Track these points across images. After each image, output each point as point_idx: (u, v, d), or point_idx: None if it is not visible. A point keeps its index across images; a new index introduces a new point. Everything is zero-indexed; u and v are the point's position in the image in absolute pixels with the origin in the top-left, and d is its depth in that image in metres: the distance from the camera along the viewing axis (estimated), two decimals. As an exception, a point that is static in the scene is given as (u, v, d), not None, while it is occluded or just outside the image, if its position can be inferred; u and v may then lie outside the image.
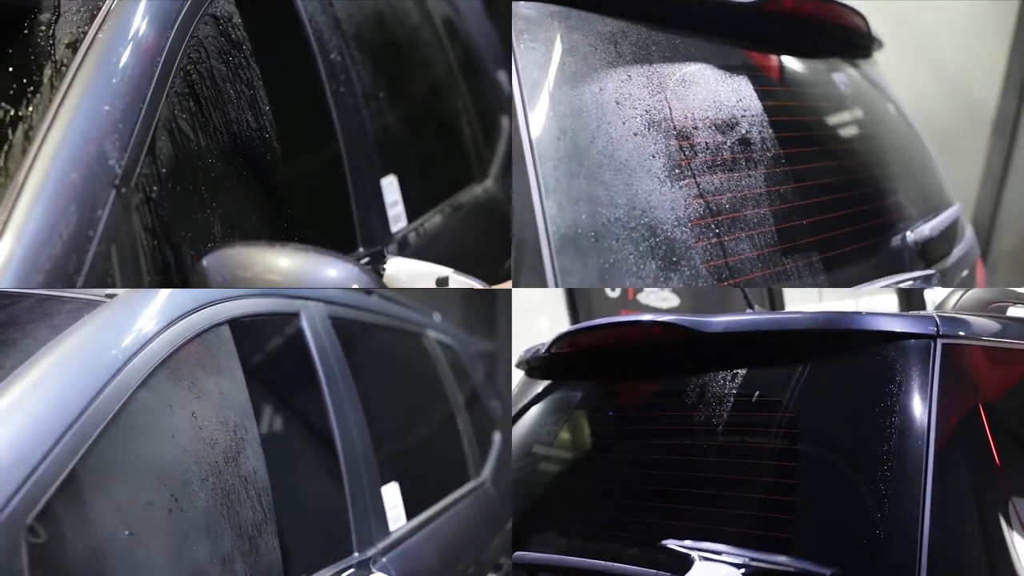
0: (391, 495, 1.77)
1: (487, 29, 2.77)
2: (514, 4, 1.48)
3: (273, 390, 1.72)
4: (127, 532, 1.13)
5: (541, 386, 1.83)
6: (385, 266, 1.42)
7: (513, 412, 1.84)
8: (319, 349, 1.69)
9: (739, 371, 1.46)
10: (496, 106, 2.63)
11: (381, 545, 1.69)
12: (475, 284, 1.42)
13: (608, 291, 4.44)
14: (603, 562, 1.45)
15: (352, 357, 1.80)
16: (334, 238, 1.75)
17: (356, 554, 1.61)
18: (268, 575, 1.38)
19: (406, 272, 1.43)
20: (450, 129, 2.41)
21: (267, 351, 1.71)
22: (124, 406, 1.17)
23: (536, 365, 1.87)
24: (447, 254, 2.17)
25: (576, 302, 4.31)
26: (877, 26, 2.01)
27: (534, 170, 1.38)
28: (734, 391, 1.45)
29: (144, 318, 1.28)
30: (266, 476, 1.40)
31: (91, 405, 1.12)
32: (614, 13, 1.54)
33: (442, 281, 1.39)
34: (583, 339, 1.73)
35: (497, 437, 2.56)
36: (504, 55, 2.69)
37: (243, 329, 1.42)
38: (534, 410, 1.81)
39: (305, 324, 1.69)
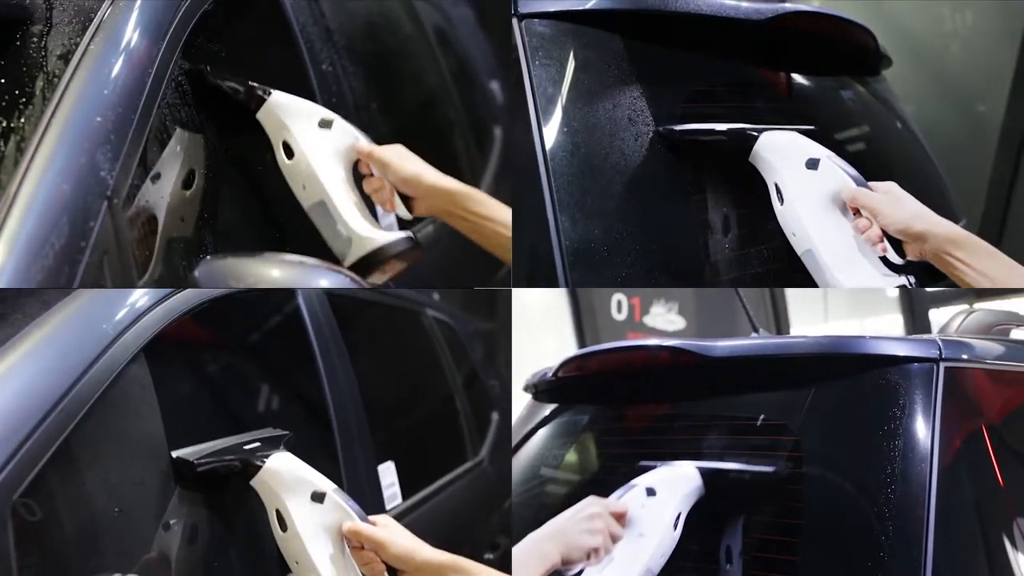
0: (388, 473, 1.81)
1: (479, 39, 2.82)
2: (528, 21, 1.55)
3: (269, 367, 1.74)
4: (116, 509, 1.15)
5: (548, 409, 1.88)
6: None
7: (520, 435, 1.88)
8: (315, 326, 1.72)
9: (744, 395, 1.51)
10: (489, 116, 2.68)
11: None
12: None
13: (615, 313, 4.52)
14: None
15: (349, 334, 1.83)
16: (327, 249, 1.79)
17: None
18: (262, 555, 1.40)
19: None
20: (442, 139, 2.46)
21: (263, 327, 1.73)
22: (115, 381, 1.19)
23: (543, 389, 1.92)
24: (441, 262, 2.21)
25: (583, 324, 4.36)
26: (882, 39, 2.07)
27: (548, 185, 1.44)
28: (739, 415, 1.50)
29: (136, 293, 1.30)
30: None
31: (81, 379, 1.15)
32: (626, 31, 1.60)
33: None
34: (589, 363, 1.79)
35: (495, 417, 2.60)
36: (497, 65, 2.74)
37: (238, 305, 1.44)
38: (541, 433, 1.86)
39: (301, 301, 1.72)
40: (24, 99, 1.28)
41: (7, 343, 1.14)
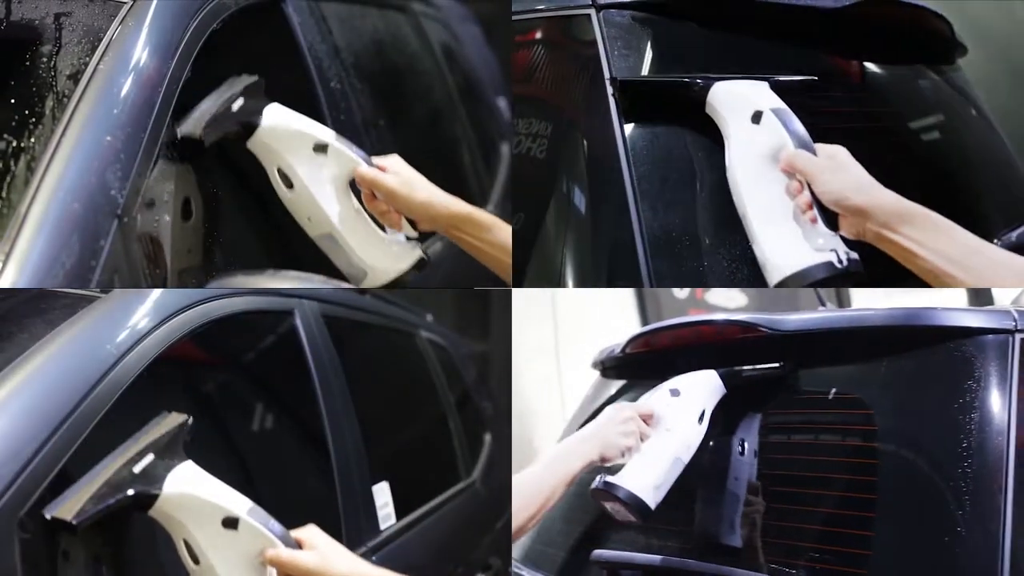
0: (382, 494, 1.80)
1: (486, 55, 2.83)
2: (605, 12, 1.58)
3: (266, 387, 1.75)
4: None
5: (615, 386, 1.87)
6: (262, 116, 1.33)
7: (589, 412, 1.86)
8: (312, 347, 1.72)
9: (814, 369, 1.48)
10: (496, 132, 2.68)
11: (371, 544, 1.71)
12: (356, 156, 1.35)
13: (676, 291, 4.50)
14: (680, 559, 1.48)
15: (345, 356, 1.83)
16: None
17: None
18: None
19: (283, 127, 1.33)
20: (450, 155, 2.46)
21: (261, 349, 1.74)
22: (118, 402, 1.19)
23: (610, 365, 1.91)
24: (452, 277, 2.21)
25: (645, 303, 4.36)
26: (956, 28, 2.03)
27: (629, 175, 1.46)
28: (809, 389, 1.47)
29: (138, 314, 1.30)
30: (257, 474, 1.41)
31: (85, 400, 1.14)
32: (700, 21, 1.62)
33: (320, 147, 1.29)
34: (657, 339, 1.77)
35: (488, 438, 2.60)
36: (504, 81, 2.74)
37: (237, 327, 1.44)
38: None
39: (299, 322, 1.72)
40: (34, 119, 1.27)
41: (13, 361, 1.14)
